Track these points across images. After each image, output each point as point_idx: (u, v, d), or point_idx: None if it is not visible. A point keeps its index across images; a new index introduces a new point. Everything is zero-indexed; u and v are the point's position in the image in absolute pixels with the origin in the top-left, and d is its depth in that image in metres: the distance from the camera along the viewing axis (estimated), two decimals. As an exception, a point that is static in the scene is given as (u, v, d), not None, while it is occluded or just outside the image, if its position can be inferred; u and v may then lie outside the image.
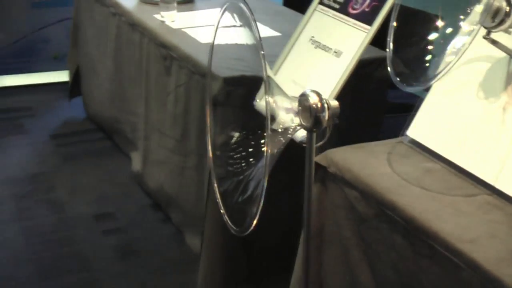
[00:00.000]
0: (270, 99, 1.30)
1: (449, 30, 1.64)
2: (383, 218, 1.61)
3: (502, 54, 1.64)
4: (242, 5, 1.29)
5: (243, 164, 1.47)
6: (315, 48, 2.10)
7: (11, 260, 2.80)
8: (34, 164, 3.61)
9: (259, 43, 1.26)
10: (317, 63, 2.07)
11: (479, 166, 1.64)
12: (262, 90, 1.91)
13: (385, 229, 1.61)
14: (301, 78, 2.09)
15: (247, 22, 1.29)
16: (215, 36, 1.44)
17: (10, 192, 3.31)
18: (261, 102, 2.08)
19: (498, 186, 1.58)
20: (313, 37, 2.13)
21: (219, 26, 1.43)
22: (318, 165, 1.80)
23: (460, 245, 1.41)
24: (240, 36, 1.38)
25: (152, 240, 2.96)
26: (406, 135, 1.84)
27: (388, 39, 1.67)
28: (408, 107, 1.90)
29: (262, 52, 1.26)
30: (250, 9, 1.27)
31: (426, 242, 1.48)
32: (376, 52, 2.40)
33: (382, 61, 2.08)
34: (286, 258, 1.97)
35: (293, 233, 1.89)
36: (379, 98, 2.58)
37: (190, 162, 2.72)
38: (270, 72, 1.34)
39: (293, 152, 1.55)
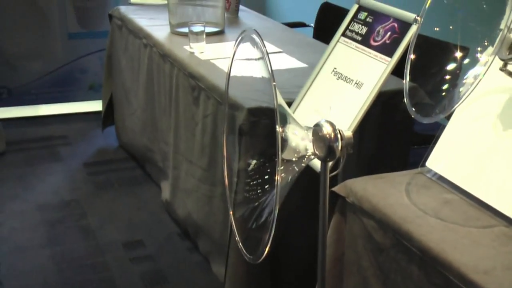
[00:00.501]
0: (283, 129, 1.33)
1: (466, 61, 1.66)
2: (400, 248, 1.62)
3: (520, 86, 1.65)
4: (255, 36, 1.32)
5: (259, 191, 1.50)
6: (337, 79, 2.13)
7: (41, 285, 2.85)
8: (67, 191, 3.68)
9: (271, 73, 1.29)
10: (339, 94, 2.10)
11: (497, 197, 1.64)
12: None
13: (402, 259, 1.61)
14: (323, 108, 2.11)
15: (259, 51, 1.32)
16: (230, 67, 1.48)
17: (42, 218, 3.37)
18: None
19: (515, 217, 1.58)
20: (335, 68, 2.16)
21: (235, 57, 1.47)
22: (337, 194, 1.82)
23: (475, 276, 1.41)
24: (261, 69, 1.42)
25: (180, 268, 2.98)
26: (426, 166, 1.85)
27: (405, 70, 1.69)
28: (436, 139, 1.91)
29: (274, 83, 1.29)
30: (262, 40, 1.31)
31: (441, 273, 1.48)
32: (401, 84, 2.41)
33: (409, 91, 2.09)
34: (308, 284, 1.98)
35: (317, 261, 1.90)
36: (406, 129, 2.59)
37: (217, 191, 2.75)
38: (282, 102, 1.37)
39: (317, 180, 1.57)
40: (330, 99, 2.11)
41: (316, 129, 1.44)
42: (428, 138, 2.03)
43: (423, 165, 1.86)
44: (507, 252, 1.50)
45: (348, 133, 1.44)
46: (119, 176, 3.86)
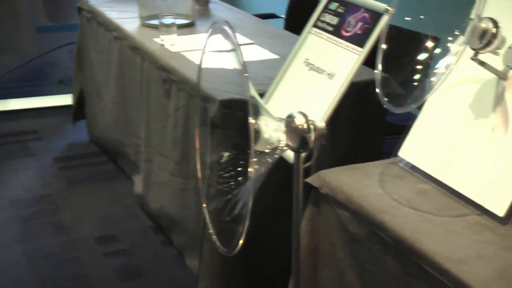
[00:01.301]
0: (253, 120, 1.32)
1: (438, 51, 1.66)
2: (374, 238, 1.62)
3: (491, 75, 1.65)
4: (226, 27, 1.31)
5: (232, 184, 1.48)
6: (309, 70, 2.12)
7: (14, 282, 2.82)
8: (39, 186, 3.64)
9: (243, 64, 1.28)
10: (311, 85, 2.09)
11: (469, 186, 1.64)
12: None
13: (377, 249, 1.62)
14: (295, 100, 2.11)
15: (230, 42, 1.31)
16: (202, 59, 1.46)
17: (14, 214, 3.33)
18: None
19: (488, 206, 1.58)
20: (307, 59, 2.15)
21: (207, 49, 1.45)
22: (311, 186, 1.82)
23: (450, 265, 1.41)
24: (233, 60, 1.40)
25: (154, 262, 2.96)
26: (398, 156, 1.85)
27: (377, 60, 1.69)
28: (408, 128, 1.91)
29: (246, 75, 1.28)
30: (233, 32, 1.29)
31: (416, 263, 1.48)
32: (374, 74, 2.41)
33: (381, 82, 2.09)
34: (286, 277, 1.97)
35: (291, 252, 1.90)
36: (378, 119, 2.59)
37: (190, 184, 2.73)
38: (255, 94, 1.36)
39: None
40: (302, 90, 2.10)
41: (289, 120, 1.43)
42: (400, 128, 2.03)
43: (396, 155, 1.87)
44: (481, 241, 1.51)
45: (321, 124, 1.43)
46: (91, 171, 3.82)
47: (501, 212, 1.56)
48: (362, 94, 2.44)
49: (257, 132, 1.38)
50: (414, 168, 1.80)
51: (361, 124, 2.55)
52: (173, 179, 2.85)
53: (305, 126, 1.41)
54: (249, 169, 1.30)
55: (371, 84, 2.44)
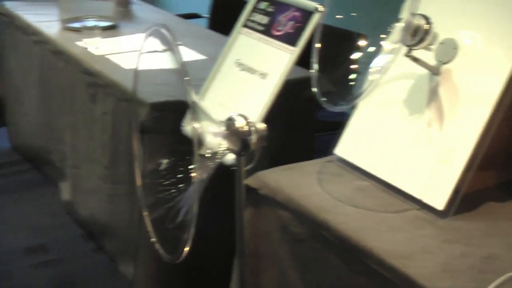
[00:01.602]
0: (197, 125, 1.29)
1: (372, 49, 1.67)
2: (317, 238, 1.61)
3: (424, 71, 1.67)
4: (164, 31, 1.27)
5: (173, 191, 1.46)
6: (241, 70, 2.10)
7: None
8: (-40, 197, 3.51)
9: (183, 69, 1.25)
10: (243, 86, 2.07)
11: (408, 182, 1.66)
12: (189, 115, 1.90)
13: (320, 249, 1.61)
14: (228, 102, 2.08)
15: (170, 48, 1.28)
16: (138, 63, 1.43)
17: None
18: (188, 127, 2.07)
19: (427, 200, 1.60)
20: (238, 59, 2.13)
21: (142, 51, 1.42)
22: (249, 187, 1.80)
23: (394, 261, 1.42)
24: (164, 60, 1.37)
25: (87, 271, 2.90)
26: (335, 154, 1.85)
27: (312, 59, 1.68)
28: (339, 125, 1.92)
29: (187, 78, 1.25)
30: (173, 35, 1.26)
31: (361, 260, 1.48)
32: (303, 73, 2.41)
33: (309, 81, 2.10)
34: (225, 281, 1.95)
35: (231, 256, 1.88)
36: (310, 118, 2.60)
37: (120, 190, 2.68)
38: (195, 98, 1.34)
39: (227, 175, 1.54)
40: (235, 91, 2.08)
41: (229, 123, 1.41)
42: (330, 125, 2.04)
43: (332, 153, 1.87)
44: (423, 236, 1.52)
45: (261, 125, 1.42)
46: (15, 179, 3.71)
47: (440, 205, 1.57)
48: (292, 93, 2.44)
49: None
50: (351, 166, 1.81)
51: (293, 122, 2.55)
52: (102, 184, 2.79)
53: (246, 128, 1.39)
54: (193, 175, 1.28)
55: (300, 82, 2.45)
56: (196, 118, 1.27)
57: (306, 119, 2.58)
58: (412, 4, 1.53)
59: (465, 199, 1.58)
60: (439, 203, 1.58)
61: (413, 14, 1.56)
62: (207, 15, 4.06)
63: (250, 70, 2.07)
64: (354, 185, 1.74)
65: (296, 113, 2.52)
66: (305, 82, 2.45)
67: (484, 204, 1.65)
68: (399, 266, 1.40)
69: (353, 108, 1.85)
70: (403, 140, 1.71)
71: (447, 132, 1.62)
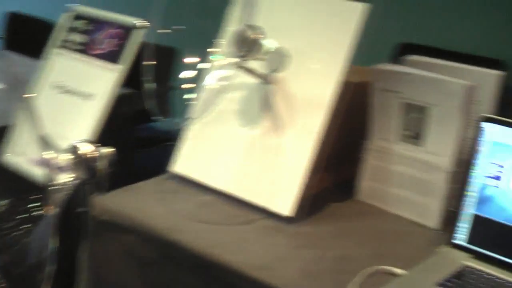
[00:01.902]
0: (48, 155, 1.21)
1: (203, 65, 1.66)
2: (169, 259, 1.57)
3: (257, 81, 1.68)
4: None
5: (14, 234, 1.36)
6: (62, 93, 2.00)
7: None
8: None
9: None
10: (66, 109, 1.98)
11: (251, 192, 1.66)
12: (9, 146, 1.78)
13: (173, 270, 1.57)
14: (55, 128, 1.98)
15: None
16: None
17: None
18: (9, 159, 1.93)
19: (273, 208, 1.62)
20: (57, 82, 2.03)
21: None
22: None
23: (253, 272, 1.41)
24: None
25: None
26: (171, 171, 1.82)
27: (142, 77, 1.64)
28: (161, 140, 1.89)
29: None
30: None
31: (218, 276, 1.46)
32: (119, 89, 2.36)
33: (127, 98, 2.05)
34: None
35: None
36: (128, 134, 2.54)
37: None
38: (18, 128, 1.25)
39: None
40: (59, 116, 1.98)
41: (74, 151, 1.34)
42: (148, 141, 2.01)
43: (167, 170, 1.83)
44: (276, 244, 1.53)
45: (109, 150, 1.37)
46: None
47: (285, 211, 1.60)
48: (111, 110, 2.38)
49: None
50: (190, 181, 1.78)
51: (113, 141, 2.48)
52: None
53: (93, 154, 1.33)
54: (46, 210, 1.20)
55: (118, 99, 2.38)
56: (45, 149, 1.19)
57: (126, 135, 2.52)
58: (242, 16, 1.54)
59: (308, 203, 1.61)
60: (285, 209, 1.60)
61: (244, 25, 1.57)
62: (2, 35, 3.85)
63: (72, 92, 1.98)
64: (197, 201, 1.72)
65: (115, 131, 2.45)
66: (122, 99, 2.41)
67: (326, 206, 1.71)
68: (260, 276, 1.40)
69: (185, 123, 1.83)
70: (241, 150, 1.71)
71: (284, 139, 1.65)
